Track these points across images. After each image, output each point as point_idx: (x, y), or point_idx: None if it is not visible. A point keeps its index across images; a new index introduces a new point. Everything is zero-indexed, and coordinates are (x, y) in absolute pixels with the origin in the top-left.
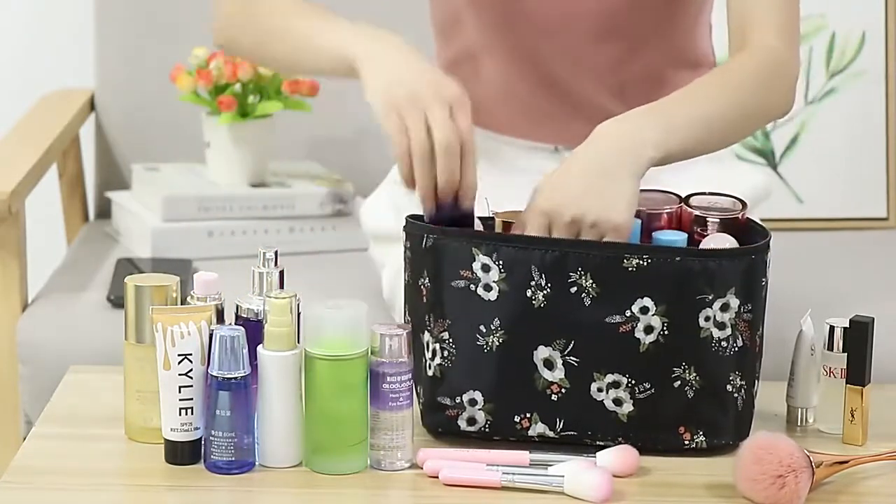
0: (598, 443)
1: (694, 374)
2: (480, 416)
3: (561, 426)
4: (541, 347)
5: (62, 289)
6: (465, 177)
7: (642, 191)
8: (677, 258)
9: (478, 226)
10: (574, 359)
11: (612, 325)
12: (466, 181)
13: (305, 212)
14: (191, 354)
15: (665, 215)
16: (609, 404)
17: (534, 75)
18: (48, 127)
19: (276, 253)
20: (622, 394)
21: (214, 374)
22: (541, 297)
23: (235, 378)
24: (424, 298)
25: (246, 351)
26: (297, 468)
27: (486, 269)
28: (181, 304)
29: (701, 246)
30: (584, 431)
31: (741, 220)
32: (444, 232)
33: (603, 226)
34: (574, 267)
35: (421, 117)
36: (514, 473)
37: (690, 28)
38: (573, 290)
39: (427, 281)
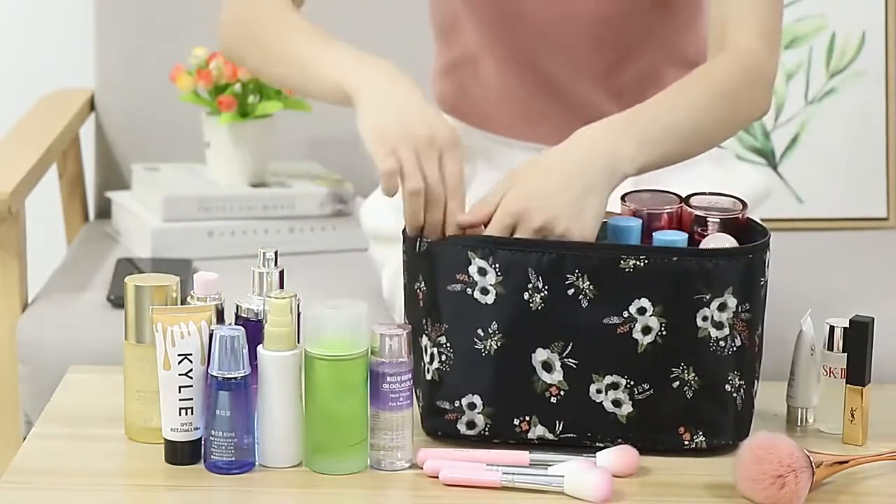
0: (597, 444)
1: (693, 375)
2: (480, 420)
3: (560, 428)
4: (539, 350)
5: (62, 289)
6: (451, 222)
7: (643, 191)
8: (674, 258)
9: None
10: (572, 361)
11: (609, 326)
12: (453, 224)
13: (305, 212)
14: (191, 354)
15: (665, 215)
16: (608, 406)
17: (531, 77)
18: (48, 127)
19: (276, 253)
20: (621, 395)
21: (214, 374)
22: (538, 300)
23: (235, 378)
24: (421, 302)
25: (246, 351)
26: (297, 468)
27: (482, 272)
28: (181, 304)
29: (701, 246)
30: (583, 433)
31: (741, 220)
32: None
33: (569, 238)
34: (571, 269)
35: (413, 156)
36: (514, 473)
37: (686, 29)
38: (570, 291)
39: (423, 285)
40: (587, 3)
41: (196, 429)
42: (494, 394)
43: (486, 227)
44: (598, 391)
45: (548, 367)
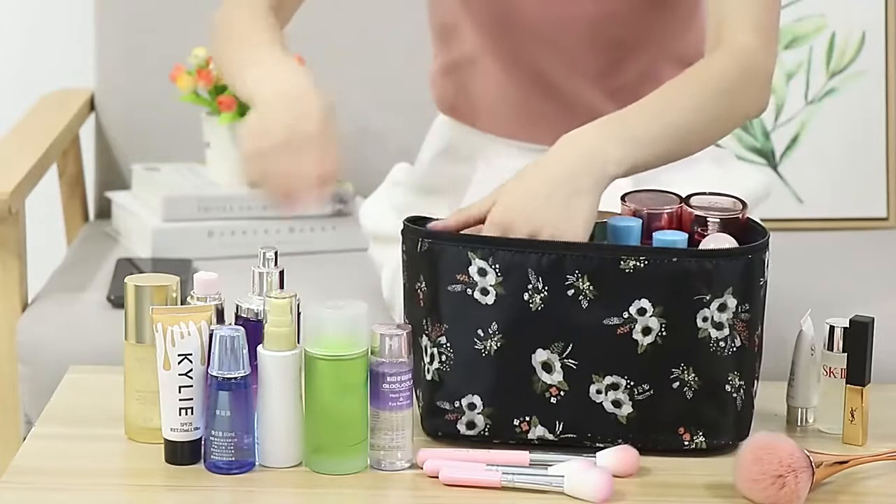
0: (597, 445)
1: (692, 375)
2: (480, 420)
3: (560, 429)
4: (539, 350)
5: (62, 289)
6: (326, 167)
7: (643, 191)
8: (674, 259)
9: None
10: (572, 361)
11: (609, 327)
12: (326, 167)
13: (305, 212)
14: (191, 354)
15: (665, 215)
16: (608, 406)
17: (530, 79)
18: (48, 127)
19: (275, 253)
20: (621, 395)
21: (214, 374)
22: (538, 301)
23: (235, 378)
24: (421, 303)
25: (246, 351)
26: (297, 468)
27: (482, 273)
28: (181, 304)
29: (700, 246)
30: (583, 434)
31: (742, 220)
32: (439, 236)
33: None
34: (571, 269)
35: (272, 118)
36: (514, 473)
37: (684, 28)
38: (570, 292)
39: (423, 285)
40: (584, 4)
41: (196, 429)
42: (494, 394)
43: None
44: (598, 392)
45: (548, 367)
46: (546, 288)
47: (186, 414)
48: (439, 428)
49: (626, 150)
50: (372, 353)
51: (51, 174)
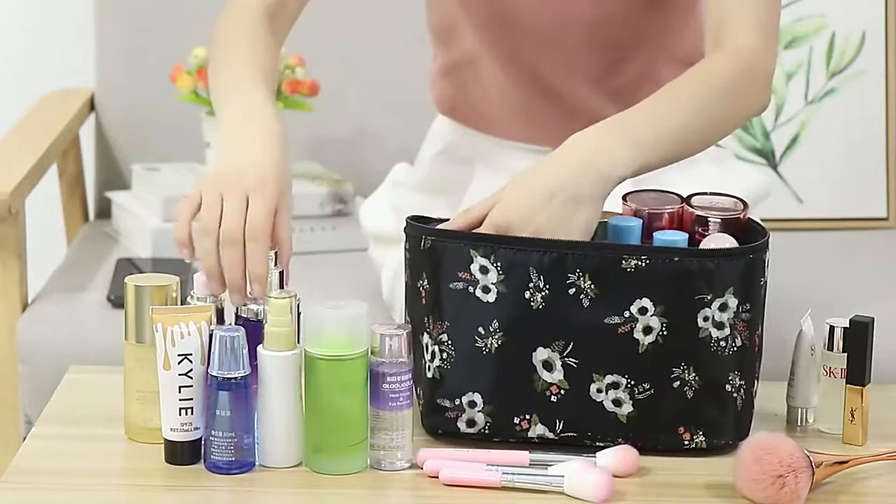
0: (597, 444)
1: (693, 375)
2: (480, 418)
3: (560, 427)
4: (540, 349)
5: (62, 289)
6: (251, 267)
7: (644, 191)
8: (675, 259)
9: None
10: (573, 360)
11: (610, 326)
12: (252, 272)
13: (305, 212)
14: (191, 354)
15: (666, 215)
16: (608, 405)
17: (529, 80)
18: (48, 127)
19: (275, 253)
20: (621, 394)
21: (214, 374)
22: (539, 299)
23: (235, 378)
24: (423, 300)
25: (246, 351)
26: (297, 468)
27: (484, 270)
28: (181, 304)
29: (701, 246)
30: (583, 432)
31: (742, 220)
32: (442, 234)
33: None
34: (572, 268)
35: (214, 193)
36: (514, 473)
37: (683, 28)
38: (572, 291)
39: (426, 283)
40: (583, 5)
41: (196, 429)
42: (495, 392)
43: None
44: (599, 391)
45: (548, 366)
46: (547, 286)
47: (186, 414)
48: (439, 425)
49: (632, 153)
50: (372, 353)
51: (51, 174)
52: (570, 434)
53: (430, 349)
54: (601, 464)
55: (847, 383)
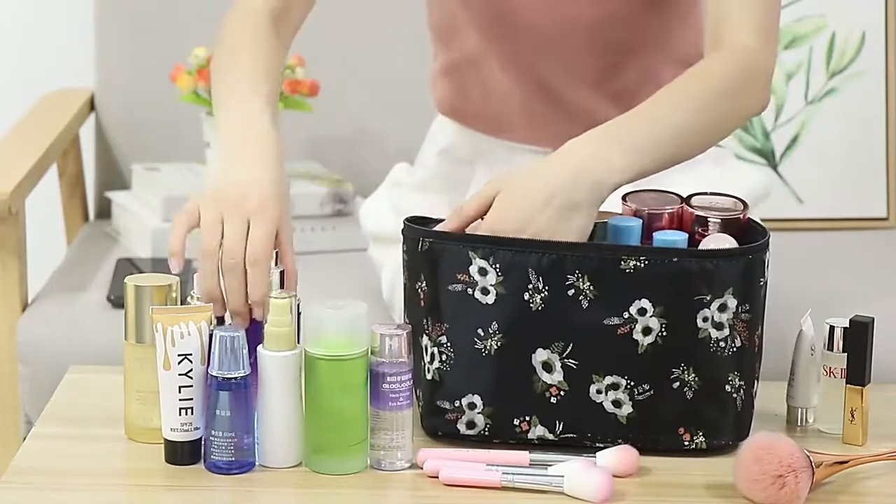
0: (597, 445)
1: (693, 375)
2: (480, 420)
3: (560, 429)
4: (539, 350)
5: (62, 289)
6: (252, 292)
7: (644, 191)
8: (674, 259)
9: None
10: (573, 361)
11: (610, 327)
12: (253, 297)
13: (305, 212)
14: (191, 354)
15: (666, 215)
16: (608, 406)
17: (530, 81)
18: (48, 127)
19: (276, 253)
20: (621, 395)
21: (214, 374)
22: (538, 300)
23: (235, 378)
24: (422, 302)
25: (246, 351)
26: (297, 468)
27: (483, 272)
28: (181, 304)
29: (700, 246)
30: (583, 434)
31: (742, 220)
32: (440, 235)
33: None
34: (571, 269)
35: (214, 215)
36: (514, 473)
37: (683, 29)
38: (571, 292)
39: (424, 285)
40: (582, 6)
41: (196, 429)
42: (494, 394)
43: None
44: (599, 392)
45: (548, 367)
46: (546, 288)
47: (186, 414)
48: (439, 427)
49: (629, 158)
50: (372, 353)
51: (51, 174)
52: (569, 435)
53: (429, 351)
54: (601, 464)
55: (847, 383)
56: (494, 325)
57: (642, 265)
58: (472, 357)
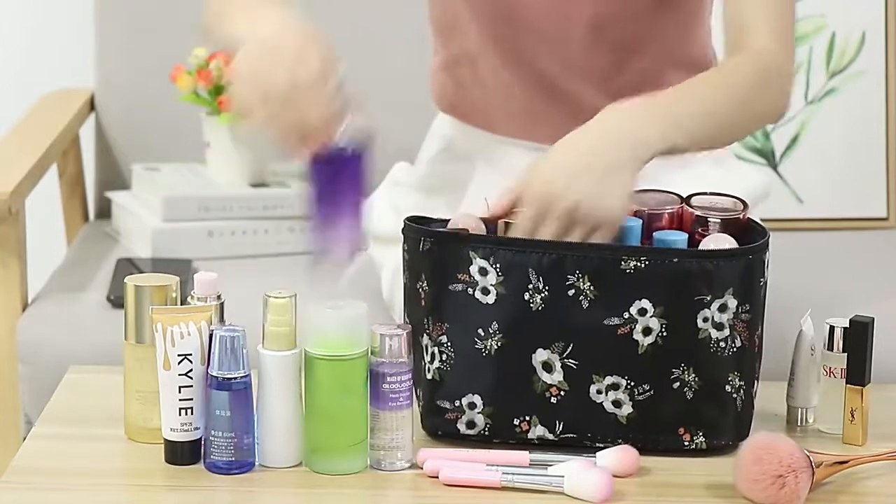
0: (597, 445)
1: (693, 375)
2: (480, 420)
3: (560, 429)
4: (539, 350)
5: (62, 289)
6: (314, 112)
7: (644, 191)
8: (675, 259)
9: (480, 227)
10: (573, 361)
11: (610, 327)
12: (315, 120)
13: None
14: (191, 354)
15: (666, 215)
16: (608, 406)
17: (531, 78)
18: (48, 127)
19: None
20: (621, 395)
21: (214, 374)
22: (539, 300)
23: (235, 378)
24: (422, 302)
25: (246, 351)
26: (297, 468)
27: (483, 272)
28: (181, 304)
29: (700, 246)
30: (583, 434)
31: (742, 220)
32: (441, 235)
33: (596, 217)
34: (572, 269)
35: (255, 61)
36: (514, 473)
37: (687, 31)
38: (571, 292)
39: (425, 284)
40: (586, 4)
41: (196, 429)
42: (495, 394)
43: (504, 223)
44: (599, 392)
45: (548, 367)
46: (547, 288)
47: (186, 414)
48: (439, 427)
49: (668, 129)
50: (372, 353)
51: (51, 174)
52: (570, 435)
53: (429, 351)
54: (601, 464)
55: (847, 383)
56: (495, 325)
57: (643, 265)
58: (473, 357)
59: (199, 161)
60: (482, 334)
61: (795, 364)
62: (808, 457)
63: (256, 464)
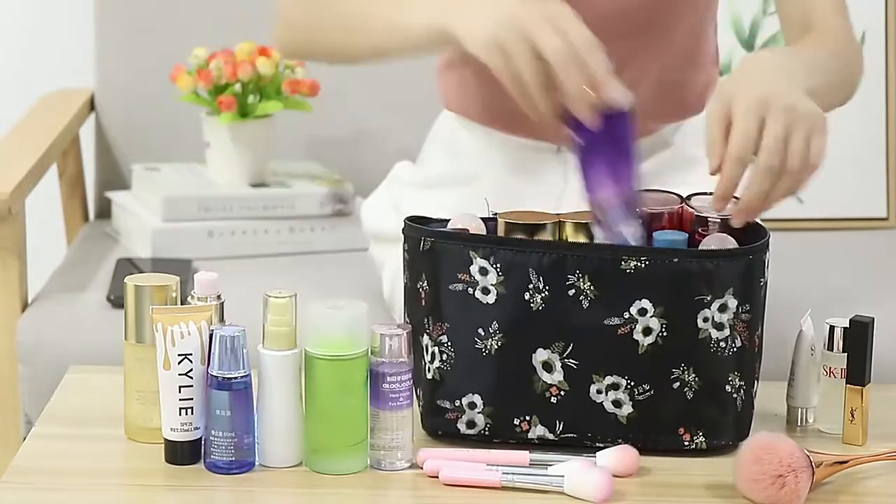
0: (597, 445)
1: (693, 375)
2: (480, 420)
3: (560, 428)
4: (539, 350)
5: (62, 289)
6: (596, 75)
7: (644, 191)
8: (675, 259)
9: (480, 227)
10: (573, 361)
11: (610, 327)
12: (598, 78)
13: (305, 212)
14: (191, 354)
15: (666, 215)
16: (608, 406)
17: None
18: (48, 127)
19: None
20: (621, 395)
21: (214, 374)
22: (539, 300)
23: (235, 378)
24: (423, 301)
25: (246, 351)
26: (297, 468)
27: (483, 272)
28: (181, 303)
29: (700, 246)
30: (583, 434)
31: None
32: (441, 235)
33: (813, 120)
34: (572, 269)
35: (524, 42)
36: (514, 473)
37: (697, 28)
38: (571, 292)
39: (425, 284)
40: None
41: (196, 429)
42: (495, 393)
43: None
44: (599, 392)
45: (548, 367)
46: (547, 287)
47: (186, 414)
48: (439, 427)
49: (807, 75)
50: (372, 353)
51: (51, 174)
52: (570, 435)
53: (429, 350)
54: (601, 464)
55: (847, 383)
56: (495, 325)
57: (643, 265)
58: (473, 357)
59: (199, 161)
60: (482, 334)
61: (795, 364)
62: (808, 457)
63: (256, 464)
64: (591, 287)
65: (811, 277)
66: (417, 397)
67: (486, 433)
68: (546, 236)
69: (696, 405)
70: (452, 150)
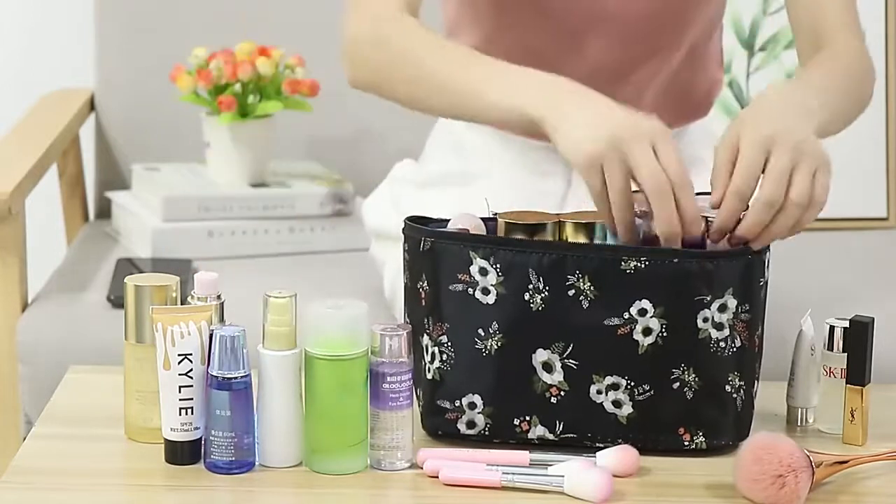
0: (597, 445)
1: (693, 375)
2: (480, 420)
3: (560, 429)
4: (539, 350)
5: (62, 289)
6: (685, 214)
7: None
8: (675, 260)
9: (480, 227)
10: (573, 361)
11: (610, 327)
12: (687, 217)
13: (305, 212)
14: (191, 354)
15: None
16: (608, 406)
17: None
18: (48, 127)
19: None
20: (621, 396)
21: (214, 373)
22: (539, 301)
23: (235, 378)
24: (423, 302)
25: (246, 351)
26: (297, 468)
27: (483, 272)
28: (181, 303)
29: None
30: (583, 434)
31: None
32: (440, 235)
33: (818, 158)
34: (572, 270)
35: (622, 165)
36: (514, 473)
37: (708, 33)
38: (571, 292)
39: (425, 284)
40: (613, 6)
41: (196, 429)
42: (495, 394)
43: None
44: (599, 392)
45: (548, 367)
46: (547, 288)
47: (186, 414)
48: (439, 427)
49: (817, 110)
50: (372, 353)
51: (51, 174)
52: (570, 435)
53: (429, 350)
54: (601, 464)
55: (847, 383)
56: (495, 325)
57: (643, 265)
58: (473, 357)
59: (199, 161)
60: (482, 334)
61: (795, 364)
62: (808, 457)
63: (256, 464)
64: (591, 287)
65: (811, 277)
66: (417, 397)
67: (486, 433)
68: (546, 237)
69: (696, 405)
70: (457, 149)
